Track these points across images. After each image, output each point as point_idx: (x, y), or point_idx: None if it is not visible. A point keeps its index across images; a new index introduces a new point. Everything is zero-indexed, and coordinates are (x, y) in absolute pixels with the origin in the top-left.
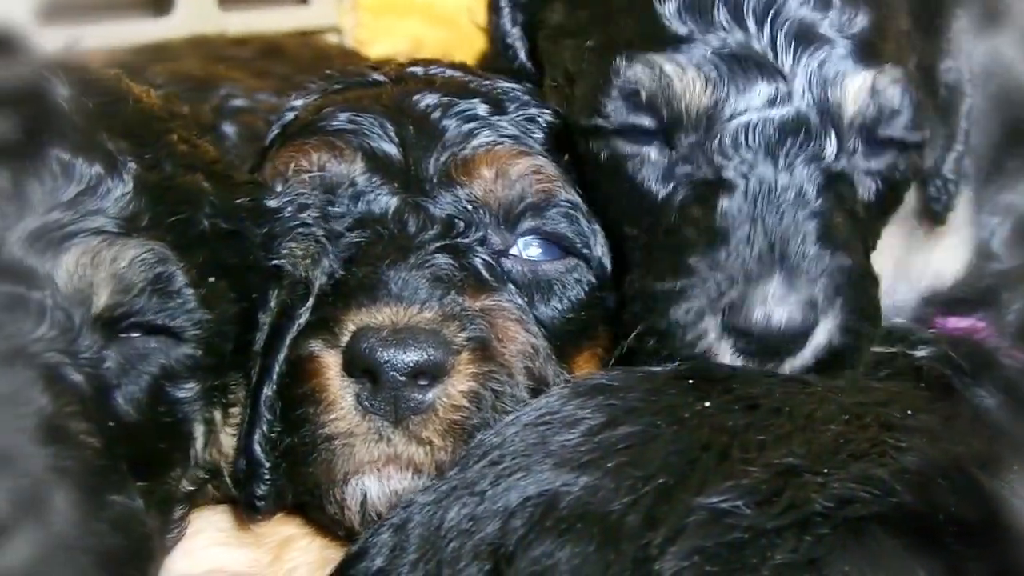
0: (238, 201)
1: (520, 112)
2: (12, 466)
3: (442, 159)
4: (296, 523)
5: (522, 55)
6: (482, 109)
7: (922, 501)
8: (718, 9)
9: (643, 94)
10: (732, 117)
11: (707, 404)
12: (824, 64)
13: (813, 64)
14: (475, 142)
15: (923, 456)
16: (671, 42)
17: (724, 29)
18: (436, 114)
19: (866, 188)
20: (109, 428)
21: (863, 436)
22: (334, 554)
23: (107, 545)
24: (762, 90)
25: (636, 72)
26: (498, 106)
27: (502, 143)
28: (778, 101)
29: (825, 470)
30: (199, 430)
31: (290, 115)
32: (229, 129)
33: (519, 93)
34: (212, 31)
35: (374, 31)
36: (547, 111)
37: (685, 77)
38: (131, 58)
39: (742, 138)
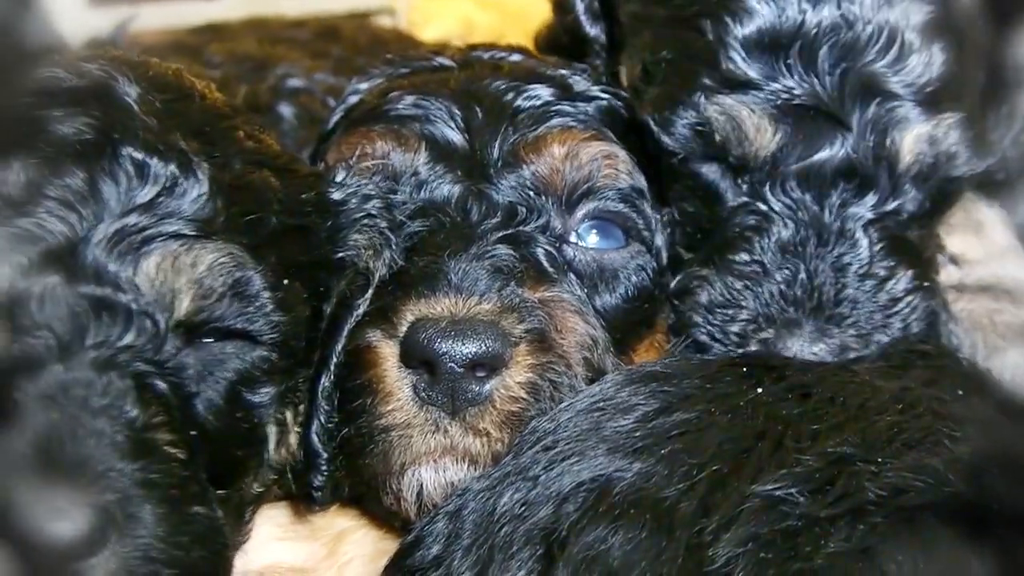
0: (304, 196)
1: (588, 97)
2: (102, 481)
3: (511, 140)
4: (351, 515)
5: (580, 6)
6: (551, 94)
7: (975, 491)
8: (793, 50)
9: (716, 136)
10: (795, 162)
11: (760, 391)
12: (884, 115)
13: (874, 114)
14: (549, 123)
15: (977, 446)
16: (745, 84)
17: (795, 74)
18: (509, 96)
19: (918, 203)
20: (191, 437)
21: (917, 425)
22: (389, 546)
23: (190, 558)
24: (825, 139)
25: (710, 112)
26: (567, 91)
27: (575, 125)
28: (837, 149)
29: (879, 459)
30: (272, 432)
31: (353, 99)
32: (286, 110)
33: (584, 78)
34: (264, 12)
35: (426, 13)
36: (612, 96)
37: (756, 123)
38: (189, 39)
39: (801, 182)
